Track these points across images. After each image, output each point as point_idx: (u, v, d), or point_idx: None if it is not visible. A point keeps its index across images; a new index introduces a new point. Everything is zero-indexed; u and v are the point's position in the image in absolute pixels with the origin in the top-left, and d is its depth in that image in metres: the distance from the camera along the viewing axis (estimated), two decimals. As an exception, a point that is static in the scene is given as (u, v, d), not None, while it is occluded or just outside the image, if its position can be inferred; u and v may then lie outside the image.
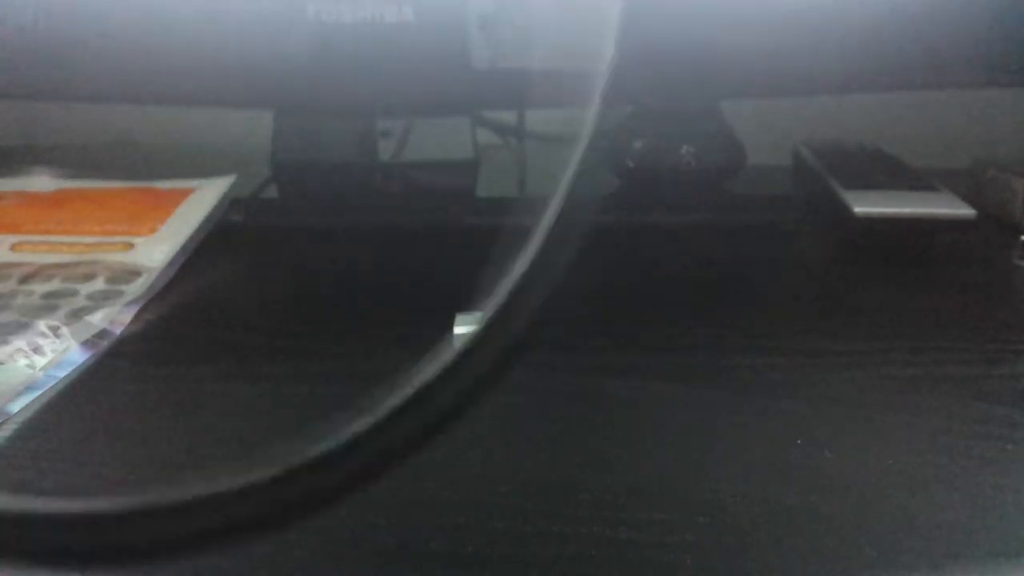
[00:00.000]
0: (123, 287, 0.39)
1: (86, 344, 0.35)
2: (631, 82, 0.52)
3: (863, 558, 0.22)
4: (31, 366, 0.33)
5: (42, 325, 0.35)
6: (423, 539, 0.23)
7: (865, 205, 0.45)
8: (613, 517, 0.24)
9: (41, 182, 0.51)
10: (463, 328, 0.35)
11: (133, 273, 0.40)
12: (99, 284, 0.39)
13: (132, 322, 0.37)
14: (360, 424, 0.17)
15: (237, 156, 0.55)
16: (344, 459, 0.17)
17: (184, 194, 0.48)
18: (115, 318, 0.37)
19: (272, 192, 0.53)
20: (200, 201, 0.48)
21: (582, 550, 0.22)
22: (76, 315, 0.36)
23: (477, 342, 0.20)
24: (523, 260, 0.20)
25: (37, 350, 0.33)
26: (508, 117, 0.63)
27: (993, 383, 0.31)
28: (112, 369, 0.33)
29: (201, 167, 0.52)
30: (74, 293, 0.38)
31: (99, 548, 0.15)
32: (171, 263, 0.42)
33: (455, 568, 0.22)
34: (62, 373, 0.33)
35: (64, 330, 0.35)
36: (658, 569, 0.22)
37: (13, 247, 0.43)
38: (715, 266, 0.45)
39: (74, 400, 0.31)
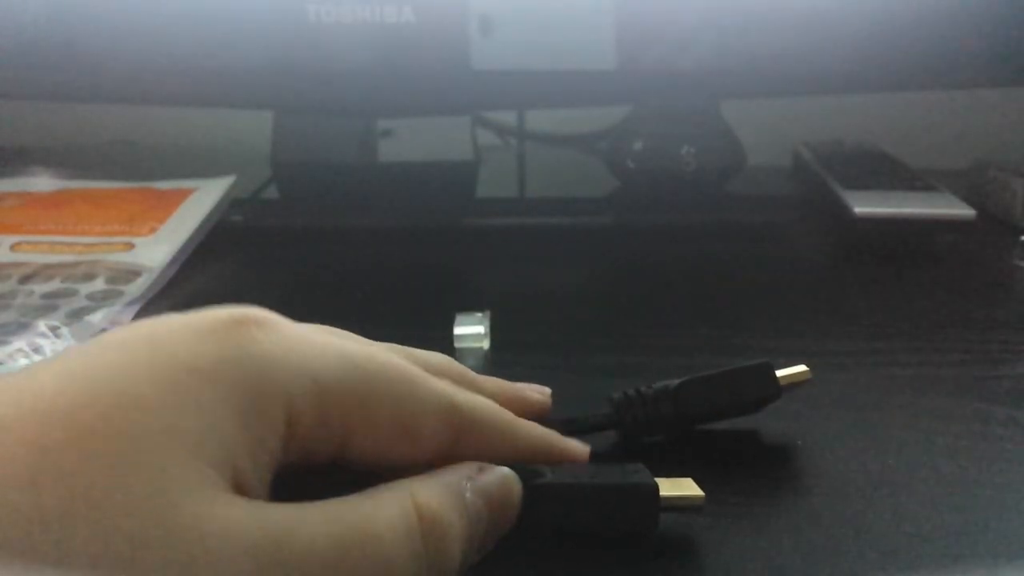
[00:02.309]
0: (123, 287, 0.39)
1: (86, 344, 0.35)
2: (632, 82, 0.52)
3: (863, 559, 0.22)
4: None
5: (42, 325, 0.35)
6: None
7: (865, 205, 0.45)
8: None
9: (41, 182, 0.51)
10: (463, 328, 0.35)
11: (133, 273, 0.40)
12: (99, 284, 0.39)
13: (132, 322, 0.37)
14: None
15: (237, 156, 0.55)
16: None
17: (184, 194, 0.48)
18: (115, 318, 0.37)
19: (272, 192, 0.53)
20: (200, 201, 0.48)
21: (580, 549, 0.22)
22: (76, 315, 0.36)
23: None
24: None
25: (37, 350, 0.33)
26: (508, 117, 0.63)
27: (993, 383, 0.31)
28: (112, 369, 0.33)
29: (201, 167, 0.52)
30: (74, 293, 0.38)
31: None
32: (171, 263, 0.42)
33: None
34: (62, 373, 0.32)
35: (64, 330, 0.35)
36: (656, 569, 0.22)
37: (13, 247, 0.43)
38: (715, 266, 0.45)
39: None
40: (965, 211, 0.44)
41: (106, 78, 0.51)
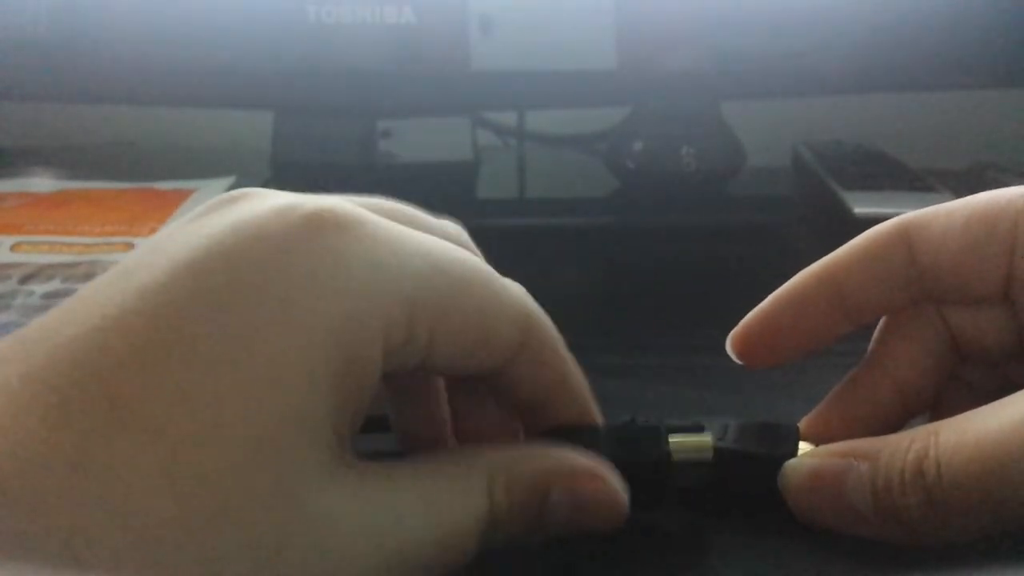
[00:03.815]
0: (123, 287, 0.39)
1: (86, 344, 0.34)
2: (632, 82, 0.52)
3: (863, 559, 0.22)
4: (31, 367, 0.33)
5: (42, 325, 0.35)
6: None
7: (865, 205, 0.45)
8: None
9: (41, 183, 0.51)
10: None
11: (133, 273, 0.40)
12: (99, 284, 0.39)
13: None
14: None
15: (237, 156, 0.55)
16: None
17: (184, 195, 0.48)
18: (115, 318, 0.36)
19: (272, 192, 0.53)
20: (200, 202, 0.47)
21: (580, 553, 0.22)
22: (76, 315, 0.36)
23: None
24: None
25: (37, 351, 0.33)
26: (508, 117, 0.63)
27: (993, 383, 0.31)
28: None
29: (201, 168, 0.52)
30: (74, 293, 0.38)
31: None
32: (171, 263, 0.42)
33: None
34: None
35: (64, 330, 0.35)
36: (655, 567, 0.22)
37: (13, 247, 0.43)
38: (715, 266, 0.45)
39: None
40: (965, 211, 0.44)
41: (106, 78, 0.51)
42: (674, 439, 0.23)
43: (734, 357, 0.25)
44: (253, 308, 0.17)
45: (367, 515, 0.17)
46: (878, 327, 0.26)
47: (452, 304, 0.19)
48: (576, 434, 0.22)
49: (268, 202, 0.19)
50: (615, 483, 0.20)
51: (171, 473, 0.15)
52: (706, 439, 0.23)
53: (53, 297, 0.38)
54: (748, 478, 0.23)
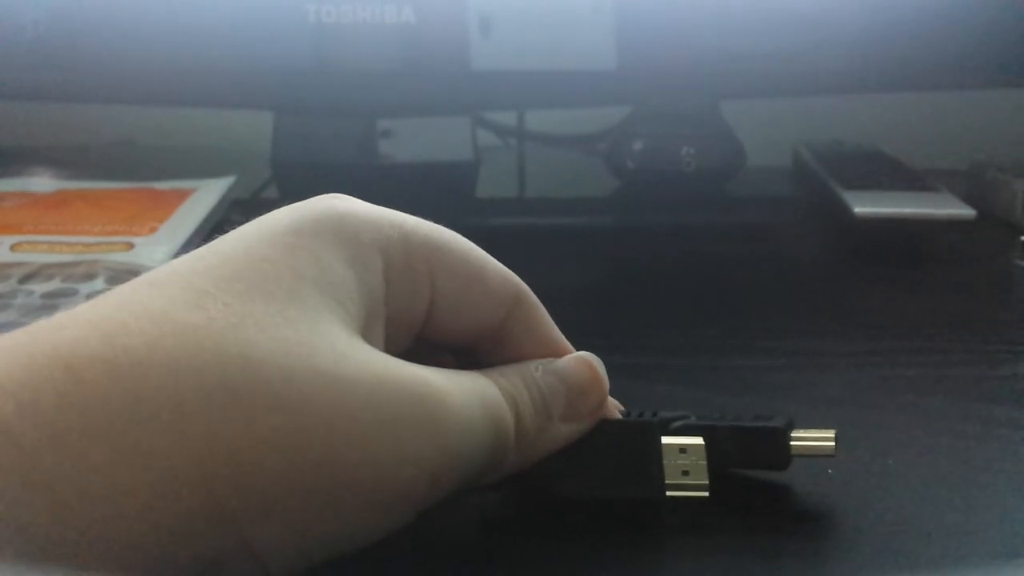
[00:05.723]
0: (123, 287, 0.39)
1: (86, 344, 0.34)
2: (632, 82, 0.51)
3: (862, 559, 0.22)
4: (31, 366, 0.32)
5: (42, 325, 0.35)
6: (426, 553, 0.23)
7: (865, 205, 0.45)
8: (616, 520, 0.24)
9: (41, 183, 0.51)
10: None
11: (133, 273, 0.40)
12: (99, 284, 0.39)
13: None
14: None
15: (237, 156, 0.55)
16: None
17: (184, 194, 0.48)
18: (115, 318, 0.36)
19: (272, 192, 0.53)
20: (200, 202, 0.48)
21: (583, 554, 0.22)
22: (76, 315, 0.36)
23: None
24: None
25: (37, 350, 0.33)
26: (508, 117, 0.63)
27: (993, 383, 0.31)
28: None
29: (201, 167, 0.52)
30: (74, 293, 0.38)
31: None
32: (171, 263, 0.42)
33: None
34: (62, 373, 0.32)
35: (64, 330, 0.35)
36: (654, 561, 0.22)
37: (13, 247, 0.43)
38: (715, 266, 0.45)
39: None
40: (965, 211, 0.44)
41: (106, 78, 0.51)
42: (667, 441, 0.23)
43: None
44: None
45: (404, 377, 0.19)
46: None
47: (444, 243, 0.22)
48: None
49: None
50: (591, 357, 0.23)
51: (198, 300, 0.18)
52: (698, 441, 0.23)
53: (53, 297, 0.38)
54: (740, 451, 0.24)
